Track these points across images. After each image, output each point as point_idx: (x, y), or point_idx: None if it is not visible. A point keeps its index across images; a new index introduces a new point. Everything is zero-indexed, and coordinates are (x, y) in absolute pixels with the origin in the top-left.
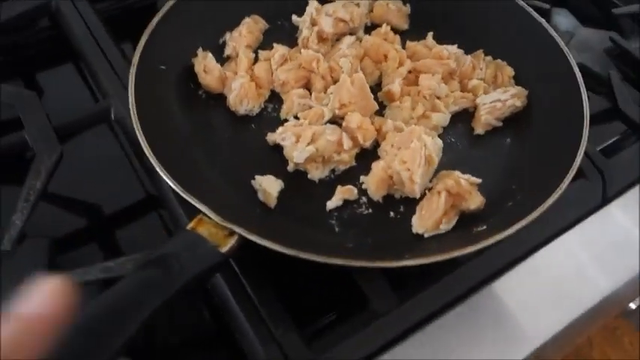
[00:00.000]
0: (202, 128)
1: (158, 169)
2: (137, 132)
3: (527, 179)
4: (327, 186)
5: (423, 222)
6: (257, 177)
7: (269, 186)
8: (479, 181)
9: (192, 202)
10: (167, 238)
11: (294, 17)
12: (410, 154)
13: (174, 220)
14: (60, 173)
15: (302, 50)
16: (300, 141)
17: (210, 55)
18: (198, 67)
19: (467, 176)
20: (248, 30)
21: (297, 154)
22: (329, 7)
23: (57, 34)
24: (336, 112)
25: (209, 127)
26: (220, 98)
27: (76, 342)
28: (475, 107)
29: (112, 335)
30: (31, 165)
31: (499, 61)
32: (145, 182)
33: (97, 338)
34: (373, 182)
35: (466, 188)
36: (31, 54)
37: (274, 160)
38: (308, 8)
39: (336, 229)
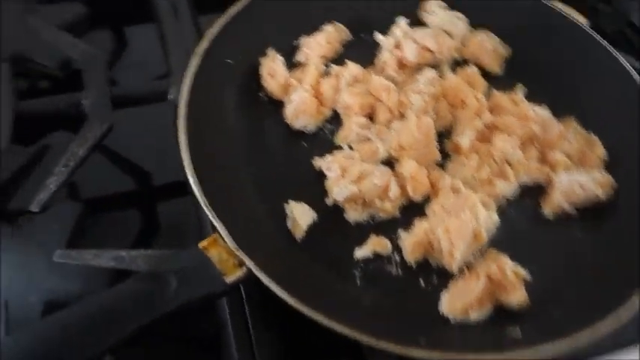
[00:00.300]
0: (252, 133)
1: (188, 171)
2: (180, 120)
3: (585, 289)
4: (362, 230)
5: (452, 302)
6: (291, 202)
7: (300, 216)
8: (527, 277)
9: (211, 218)
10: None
11: (378, 35)
12: (457, 226)
13: (198, 218)
14: (119, 132)
15: (375, 76)
16: (344, 176)
17: (279, 58)
18: (264, 69)
19: (515, 266)
20: (327, 39)
21: (337, 190)
22: (417, 33)
23: None
24: (393, 152)
25: (259, 134)
26: (280, 105)
27: (62, 335)
28: (549, 184)
29: (98, 336)
30: (80, 130)
31: (592, 135)
32: None
33: (86, 336)
34: (410, 244)
35: (511, 280)
36: (124, 7)
37: (315, 187)
38: (395, 28)
39: (358, 282)
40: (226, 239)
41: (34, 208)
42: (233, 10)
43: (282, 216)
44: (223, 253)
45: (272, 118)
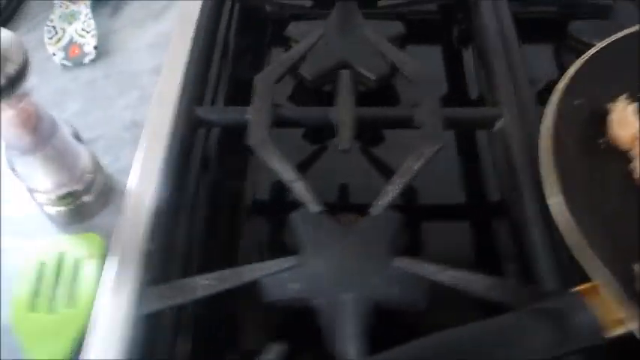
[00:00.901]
0: (592, 179)
1: (565, 206)
2: (546, 155)
3: None
4: None
5: None
6: None
7: None
8: None
9: (597, 267)
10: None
11: None
12: None
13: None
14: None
15: None
16: None
17: (633, 107)
18: (615, 116)
19: None
20: None
21: None
22: None
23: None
24: None
25: (599, 182)
26: (620, 156)
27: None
28: None
29: None
30: (415, 146)
31: None
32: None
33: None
34: None
35: None
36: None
37: None
38: None
39: None
40: (613, 293)
41: (376, 210)
42: (593, 50)
43: (628, 276)
44: (602, 306)
45: (613, 167)
